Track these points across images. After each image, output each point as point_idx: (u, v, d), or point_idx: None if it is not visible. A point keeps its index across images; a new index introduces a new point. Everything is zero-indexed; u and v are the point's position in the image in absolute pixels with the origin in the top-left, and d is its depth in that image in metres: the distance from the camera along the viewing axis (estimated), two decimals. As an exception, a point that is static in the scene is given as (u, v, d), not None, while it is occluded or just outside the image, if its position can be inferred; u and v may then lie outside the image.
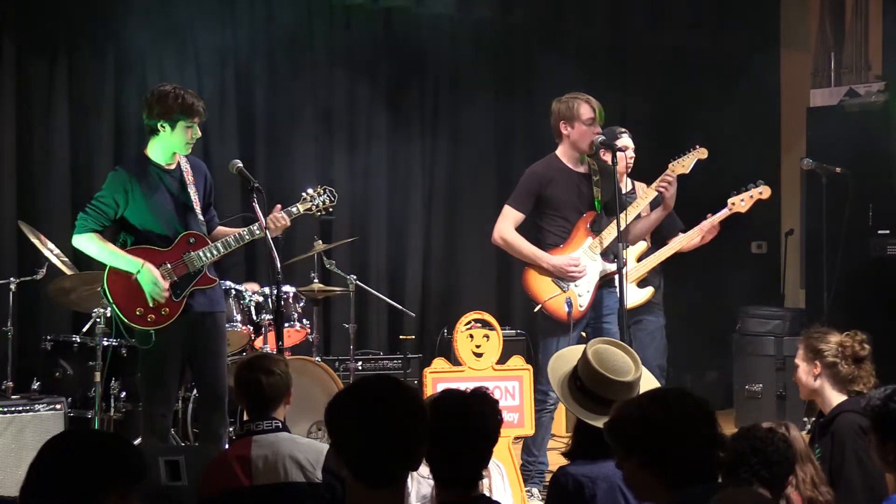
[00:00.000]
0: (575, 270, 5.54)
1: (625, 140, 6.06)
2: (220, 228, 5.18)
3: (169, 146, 4.91)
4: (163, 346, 4.83)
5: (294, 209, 5.08)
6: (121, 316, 4.80)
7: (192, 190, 4.97)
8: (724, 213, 5.85)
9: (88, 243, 4.83)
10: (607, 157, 5.74)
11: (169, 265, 4.84)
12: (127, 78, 7.23)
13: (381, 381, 2.48)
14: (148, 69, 7.29)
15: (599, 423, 3.18)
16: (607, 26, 8.14)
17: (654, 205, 5.83)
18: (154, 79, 7.27)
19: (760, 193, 5.81)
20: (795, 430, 3.41)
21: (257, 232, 4.92)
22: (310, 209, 5.13)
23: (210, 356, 4.98)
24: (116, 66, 7.19)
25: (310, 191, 5.16)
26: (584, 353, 3.33)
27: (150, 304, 4.79)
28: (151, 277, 4.76)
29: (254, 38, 7.62)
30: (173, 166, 4.96)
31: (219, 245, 4.93)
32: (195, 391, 5.94)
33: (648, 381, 3.40)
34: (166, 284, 4.79)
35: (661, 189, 5.64)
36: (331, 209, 5.20)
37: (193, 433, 5.97)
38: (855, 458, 3.61)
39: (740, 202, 5.81)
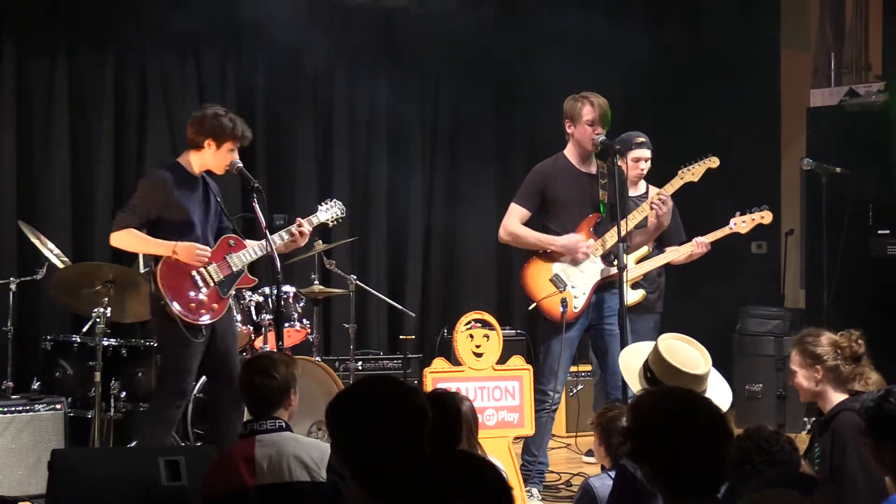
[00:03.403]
0: (583, 250, 5.54)
1: (639, 151, 6.07)
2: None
3: (208, 163, 5.13)
4: (191, 339, 4.98)
5: (315, 219, 5.38)
6: (179, 309, 4.92)
7: (218, 199, 5.24)
8: (723, 232, 5.87)
9: (127, 237, 5.01)
10: (622, 164, 5.67)
11: (215, 265, 5.07)
12: (127, 78, 7.23)
13: (382, 382, 2.47)
14: (148, 69, 7.30)
15: None
16: (607, 26, 8.14)
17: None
18: (154, 79, 7.29)
19: (762, 217, 5.85)
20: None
21: (286, 237, 5.23)
22: (328, 219, 5.48)
23: (225, 354, 5.16)
24: (116, 66, 7.19)
25: (324, 203, 5.54)
26: (656, 346, 3.39)
27: (202, 299, 4.98)
28: (188, 247, 4.96)
29: (254, 37, 7.62)
30: (199, 176, 5.18)
31: (255, 248, 5.17)
32: (195, 391, 5.93)
33: (716, 380, 3.42)
34: (205, 251, 5.01)
35: (654, 208, 5.62)
36: (340, 220, 5.58)
37: (194, 433, 5.96)
38: (856, 456, 3.61)
39: (742, 223, 5.85)
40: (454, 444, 2.82)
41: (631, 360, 3.51)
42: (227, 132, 5.07)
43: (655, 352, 3.38)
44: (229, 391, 5.03)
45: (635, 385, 3.46)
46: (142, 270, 6.00)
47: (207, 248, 5.05)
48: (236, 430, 4.96)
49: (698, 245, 5.95)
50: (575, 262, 5.59)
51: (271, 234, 5.10)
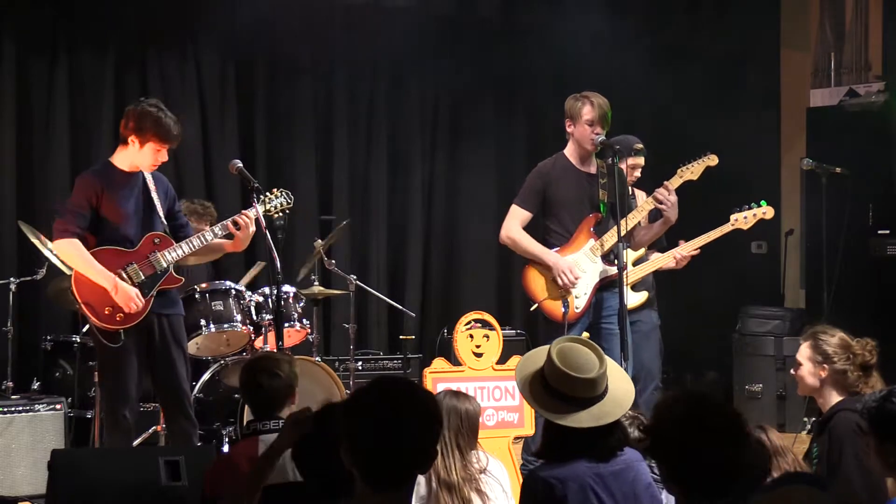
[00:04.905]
0: (566, 278, 5.51)
1: (636, 158, 6.05)
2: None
3: (134, 161, 4.95)
4: (125, 345, 4.84)
5: (252, 212, 5.05)
6: (89, 316, 4.81)
7: (154, 195, 5.01)
8: (724, 229, 5.81)
9: (71, 249, 4.83)
10: (622, 165, 5.65)
11: (136, 265, 4.87)
12: (127, 78, 7.23)
13: (396, 384, 2.47)
14: (148, 69, 7.30)
15: (564, 420, 3.19)
16: (607, 25, 8.13)
17: (653, 214, 5.81)
18: (154, 79, 7.30)
19: (764, 213, 5.77)
20: (773, 432, 3.42)
21: (218, 232, 5.00)
22: (269, 211, 5.17)
23: (165, 364, 4.97)
24: (116, 66, 7.20)
25: (267, 193, 5.21)
26: (549, 352, 3.32)
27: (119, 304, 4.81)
28: (126, 295, 4.78)
29: (254, 37, 7.63)
30: (136, 172, 5.00)
31: (183, 245, 4.97)
32: (195, 391, 5.91)
33: (617, 378, 3.37)
34: (140, 302, 4.81)
35: (657, 205, 5.60)
36: (287, 210, 5.26)
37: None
38: (853, 456, 3.61)
39: (743, 219, 5.75)
40: None
41: (526, 367, 3.46)
42: (149, 131, 4.86)
43: (548, 357, 3.33)
44: (172, 394, 4.99)
45: (523, 390, 3.39)
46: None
47: (142, 301, 4.83)
48: (187, 437, 4.96)
49: (681, 260, 5.90)
50: (557, 283, 5.56)
51: (272, 233, 5.03)
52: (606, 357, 3.36)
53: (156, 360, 4.97)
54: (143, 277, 4.87)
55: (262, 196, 5.14)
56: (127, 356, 4.86)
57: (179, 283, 5.05)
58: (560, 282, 5.51)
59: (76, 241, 4.82)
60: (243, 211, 5.03)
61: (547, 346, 3.38)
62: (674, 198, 5.59)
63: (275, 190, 5.25)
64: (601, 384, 3.24)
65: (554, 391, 3.26)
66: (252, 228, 5.02)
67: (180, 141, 5.04)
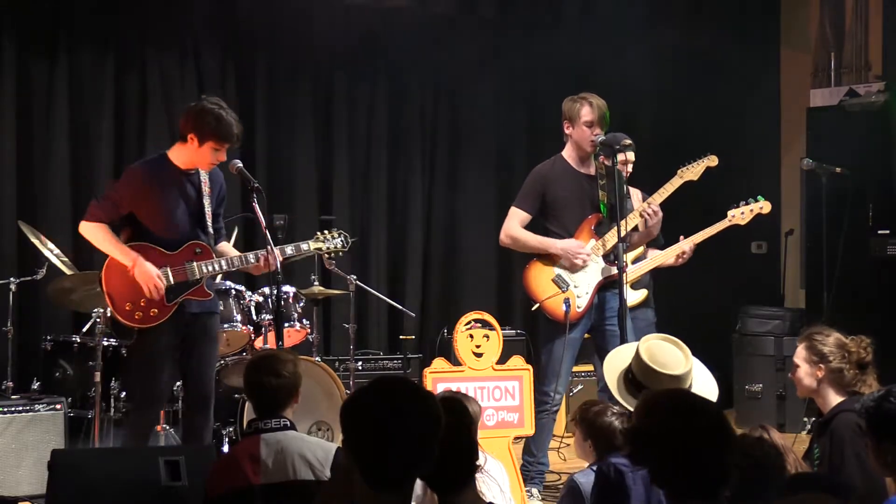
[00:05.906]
0: (582, 254, 5.54)
1: (626, 154, 6.05)
2: (223, 245, 5.15)
3: (191, 159, 4.89)
4: (151, 345, 4.84)
5: (305, 245, 5.04)
6: (109, 306, 4.83)
7: (206, 200, 4.95)
8: (722, 225, 5.79)
9: (95, 232, 4.84)
10: (608, 162, 5.66)
11: (169, 269, 4.82)
12: (127, 78, 7.23)
13: (397, 384, 2.47)
14: (148, 69, 7.30)
15: None
16: (606, 26, 8.13)
17: None
18: (154, 78, 7.29)
19: (761, 208, 5.75)
20: (774, 431, 3.44)
21: (252, 260, 4.94)
22: (320, 248, 5.11)
23: (196, 358, 4.96)
24: (116, 66, 7.20)
25: (326, 231, 5.13)
26: (637, 347, 3.39)
27: (142, 303, 4.79)
28: (147, 274, 4.75)
29: (254, 37, 7.63)
30: (192, 171, 4.94)
31: (222, 262, 4.92)
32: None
33: (702, 378, 3.43)
34: (162, 284, 4.78)
35: (646, 217, 5.61)
36: (341, 254, 5.19)
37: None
38: (855, 457, 3.61)
39: (740, 215, 5.73)
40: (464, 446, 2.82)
41: (614, 362, 3.52)
42: (209, 130, 4.78)
43: (636, 353, 3.40)
44: (200, 391, 4.98)
45: (613, 386, 3.46)
46: None
47: (164, 282, 4.77)
48: (200, 433, 4.95)
49: (680, 256, 5.87)
50: (574, 268, 5.59)
51: (272, 233, 5.02)
52: (692, 356, 3.41)
53: (186, 359, 4.96)
54: (172, 282, 4.82)
55: (320, 233, 5.10)
56: (160, 358, 4.86)
57: (208, 297, 4.94)
58: (579, 263, 5.53)
59: (103, 225, 4.83)
60: (279, 247, 4.95)
61: (634, 344, 3.45)
62: (659, 215, 5.60)
63: (334, 231, 5.15)
64: (685, 381, 3.32)
65: (639, 385, 3.33)
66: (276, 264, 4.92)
67: (240, 142, 4.95)
